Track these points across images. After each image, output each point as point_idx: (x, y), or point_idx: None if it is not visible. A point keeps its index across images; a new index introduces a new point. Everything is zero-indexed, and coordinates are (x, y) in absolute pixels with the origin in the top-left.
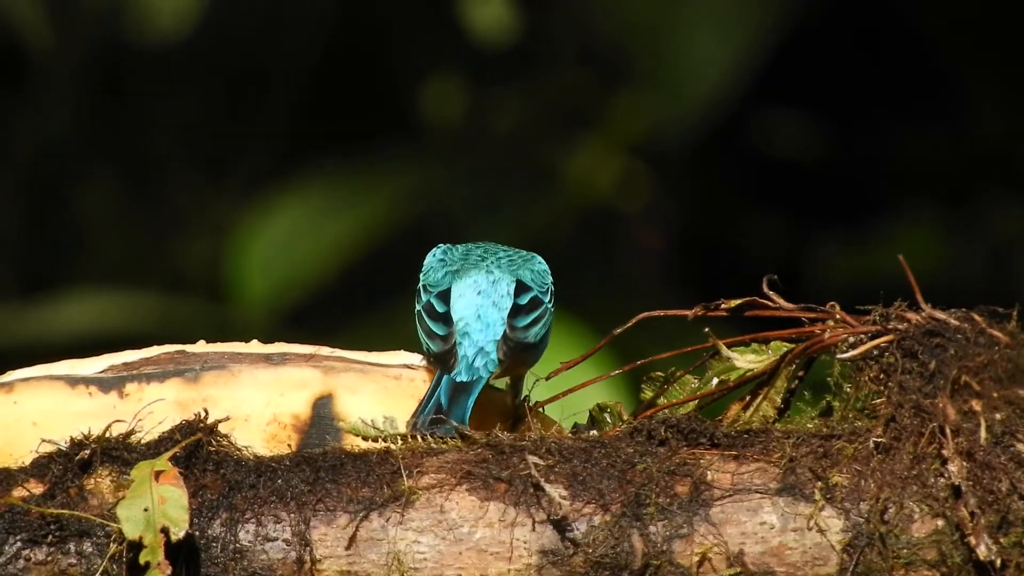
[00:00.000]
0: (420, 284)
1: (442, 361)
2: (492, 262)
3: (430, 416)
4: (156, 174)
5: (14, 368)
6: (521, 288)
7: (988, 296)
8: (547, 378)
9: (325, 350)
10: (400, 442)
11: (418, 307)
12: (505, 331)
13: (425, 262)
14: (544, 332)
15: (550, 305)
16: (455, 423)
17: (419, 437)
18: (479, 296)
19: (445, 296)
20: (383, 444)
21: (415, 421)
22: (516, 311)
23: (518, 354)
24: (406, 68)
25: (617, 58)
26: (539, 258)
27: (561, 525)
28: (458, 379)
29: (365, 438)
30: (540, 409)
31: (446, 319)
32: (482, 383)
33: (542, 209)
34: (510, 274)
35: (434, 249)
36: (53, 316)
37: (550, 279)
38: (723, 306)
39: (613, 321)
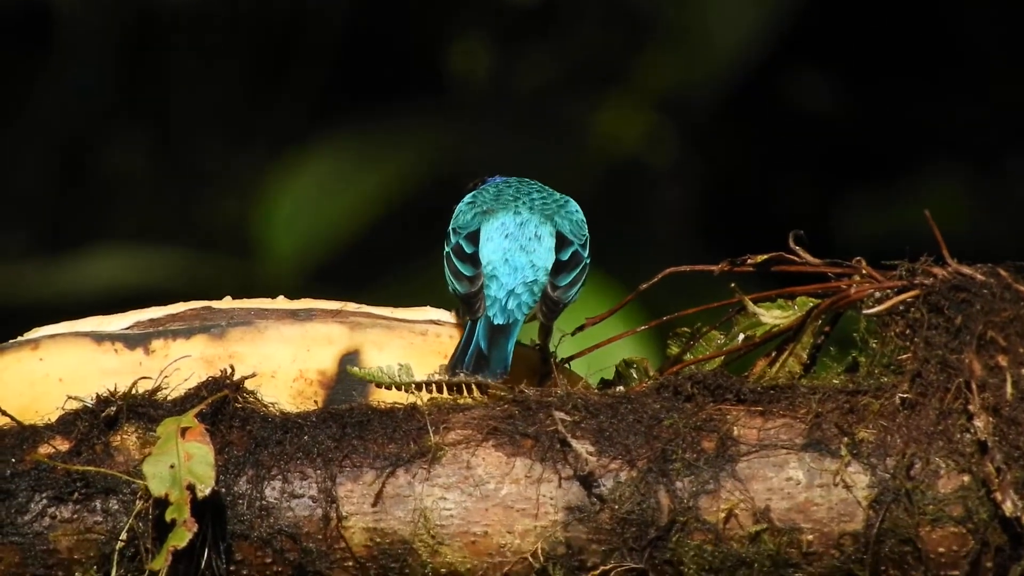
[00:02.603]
0: (450, 227)
1: (468, 303)
2: (523, 202)
3: (472, 360)
4: (183, 131)
5: (41, 325)
6: (562, 241)
7: (1014, 253)
8: (573, 334)
9: (351, 306)
10: (415, 389)
11: (447, 249)
12: (546, 288)
13: (457, 206)
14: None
15: (588, 259)
16: (499, 368)
17: (459, 383)
18: (506, 239)
19: (474, 237)
20: (399, 392)
21: (454, 364)
22: (559, 268)
23: (557, 314)
24: (432, 26)
25: (643, 14)
26: (573, 203)
27: (587, 481)
28: (496, 322)
29: (379, 385)
30: (567, 365)
31: (474, 260)
32: (519, 326)
33: (569, 165)
34: (541, 215)
35: (467, 194)
36: (80, 273)
37: (586, 227)
38: (749, 261)
39: (639, 277)
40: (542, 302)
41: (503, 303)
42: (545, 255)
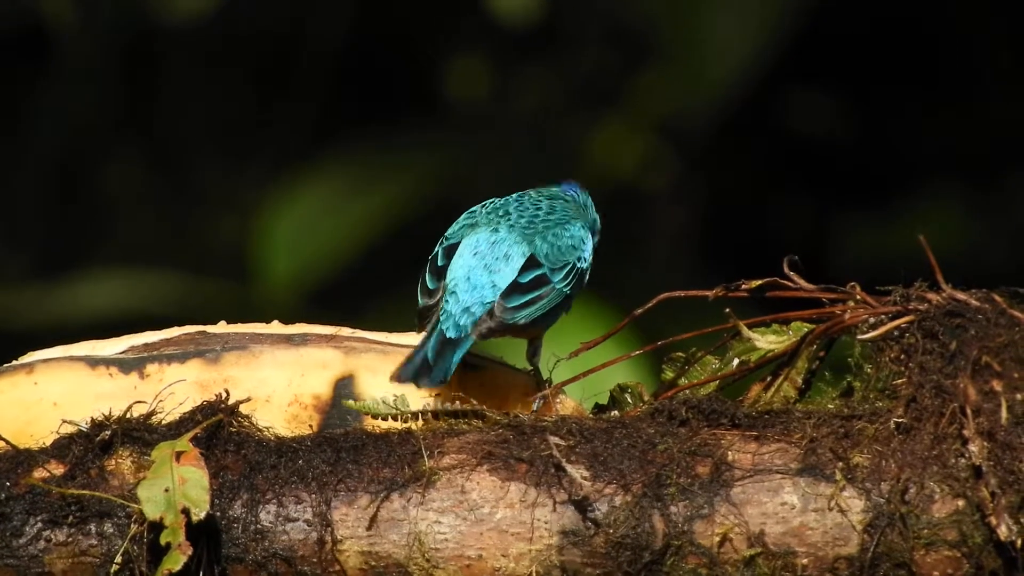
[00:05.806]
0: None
1: (420, 316)
2: (510, 219)
3: (414, 370)
4: (181, 154)
5: (35, 349)
6: (531, 263)
7: (1012, 276)
8: (568, 358)
9: (346, 331)
10: (414, 420)
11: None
12: (492, 308)
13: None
14: (541, 314)
15: (561, 285)
16: (438, 377)
17: (456, 412)
18: (474, 257)
19: (451, 250)
20: (397, 423)
21: (399, 372)
22: (512, 289)
23: (503, 333)
24: (431, 47)
25: (641, 37)
26: (576, 227)
27: (582, 505)
28: (448, 335)
29: (375, 417)
30: (561, 390)
31: (440, 273)
32: (470, 341)
33: None
34: (520, 234)
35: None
36: (75, 297)
37: (581, 253)
38: (744, 287)
39: (635, 301)
40: (486, 317)
41: (456, 319)
42: (509, 276)
